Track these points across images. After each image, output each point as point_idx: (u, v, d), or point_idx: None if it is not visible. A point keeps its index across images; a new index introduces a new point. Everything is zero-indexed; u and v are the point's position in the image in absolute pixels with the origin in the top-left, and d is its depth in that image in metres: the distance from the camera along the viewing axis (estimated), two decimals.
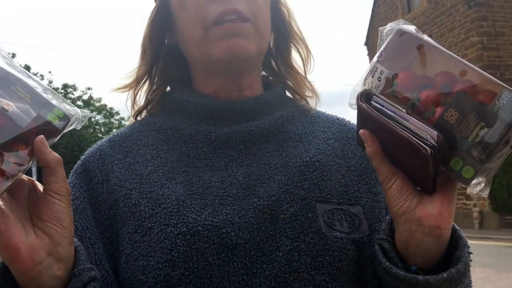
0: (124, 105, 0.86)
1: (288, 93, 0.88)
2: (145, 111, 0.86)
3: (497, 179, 13.58)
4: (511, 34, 15.67)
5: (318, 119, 0.85)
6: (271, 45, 0.87)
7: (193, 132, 0.77)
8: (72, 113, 0.58)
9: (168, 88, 0.86)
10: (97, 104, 25.45)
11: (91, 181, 0.75)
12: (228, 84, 0.79)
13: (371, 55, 21.55)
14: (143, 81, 0.84)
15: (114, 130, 27.39)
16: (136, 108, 0.86)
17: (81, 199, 0.73)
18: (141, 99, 0.85)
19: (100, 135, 26.55)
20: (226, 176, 0.73)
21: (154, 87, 0.85)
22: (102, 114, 26.09)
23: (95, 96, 25.66)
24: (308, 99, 0.87)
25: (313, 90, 0.87)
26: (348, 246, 0.69)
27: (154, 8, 0.81)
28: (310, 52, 0.87)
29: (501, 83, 0.53)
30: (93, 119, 26.23)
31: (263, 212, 0.69)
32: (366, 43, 22.01)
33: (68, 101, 0.59)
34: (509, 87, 0.52)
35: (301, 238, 0.68)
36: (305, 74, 0.87)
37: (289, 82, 0.87)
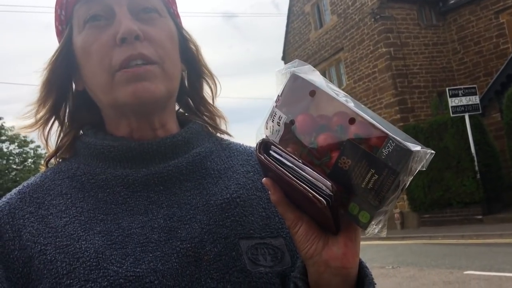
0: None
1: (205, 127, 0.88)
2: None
3: (413, 181, 14.36)
4: (415, 44, 16.83)
5: (237, 152, 0.87)
6: (186, 83, 0.88)
7: (109, 176, 0.75)
8: None
9: (81, 132, 0.83)
10: (9, 133, 24.00)
11: (1, 238, 0.70)
12: (140, 124, 0.77)
13: None
14: (51, 122, 0.81)
15: (29, 160, 26.08)
16: (49, 149, 0.82)
17: None
18: (52, 141, 0.82)
19: (15, 166, 24.99)
20: (147, 220, 0.71)
21: (64, 132, 0.82)
22: (16, 144, 24.65)
23: (7, 125, 24.16)
24: (218, 121, 0.89)
25: (221, 116, 0.89)
26: (273, 281, 0.70)
27: (54, 54, 0.79)
28: (216, 83, 0.89)
29: (385, 130, 0.54)
30: (5, 150, 24.69)
31: (187, 255, 0.68)
32: (283, 58, 22.63)
33: None
34: (392, 135, 0.53)
35: (226, 278, 0.68)
36: (213, 102, 0.89)
37: (205, 117, 0.88)
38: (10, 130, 24.00)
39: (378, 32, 16.55)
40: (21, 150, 25.07)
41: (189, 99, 0.89)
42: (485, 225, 12.32)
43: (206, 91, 0.89)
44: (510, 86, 13.65)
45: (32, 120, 0.80)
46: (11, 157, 24.75)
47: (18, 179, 23.05)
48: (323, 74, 20.07)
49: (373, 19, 16.55)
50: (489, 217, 12.68)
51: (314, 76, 0.60)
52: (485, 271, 7.07)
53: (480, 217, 12.87)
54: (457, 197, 13.40)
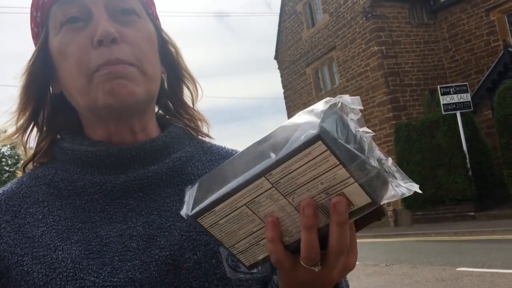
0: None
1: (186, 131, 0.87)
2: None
3: None
4: (406, 43, 16.87)
5: (218, 156, 0.85)
6: (165, 85, 0.87)
7: (87, 183, 0.73)
8: None
9: (59, 136, 0.82)
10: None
11: None
12: (119, 128, 0.75)
13: (281, 68, 22.18)
14: (30, 129, 0.80)
15: (22, 161, 25.88)
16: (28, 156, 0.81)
17: None
18: (31, 146, 0.81)
19: (7, 168, 24.85)
20: (126, 228, 0.70)
21: (41, 136, 0.81)
22: (8, 146, 24.53)
23: None
24: (199, 124, 0.88)
25: (203, 120, 0.88)
26: (254, 287, 0.69)
27: (31, 58, 0.78)
28: (197, 87, 0.87)
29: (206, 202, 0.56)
30: None
31: (166, 263, 0.67)
32: (276, 57, 22.61)
33: None
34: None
35: (205, 286, 0.67)
36: (193, 106, 0.87)
37: (185, 120, 0.86)
38: (2, 132, 23.85)
39: (369, 30, 16.57)
40: (13, 151, 24.92)
41: (168, 101, 0.88)
42: (478, 221, 12.38)
43: (187, 95, 0.87)
44: (501, 83, 13.73)
45: (13, 129, 0.79)
46: (3, 159, 24.62)
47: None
48: (316, 73, 20.08)
49: (364, 18, 16.57)
50: (482, 213, 12.75)
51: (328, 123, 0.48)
52: (478, 267, 7.11)
53: (472, 214, 12.93)
54: (449, 194, 13.45)
